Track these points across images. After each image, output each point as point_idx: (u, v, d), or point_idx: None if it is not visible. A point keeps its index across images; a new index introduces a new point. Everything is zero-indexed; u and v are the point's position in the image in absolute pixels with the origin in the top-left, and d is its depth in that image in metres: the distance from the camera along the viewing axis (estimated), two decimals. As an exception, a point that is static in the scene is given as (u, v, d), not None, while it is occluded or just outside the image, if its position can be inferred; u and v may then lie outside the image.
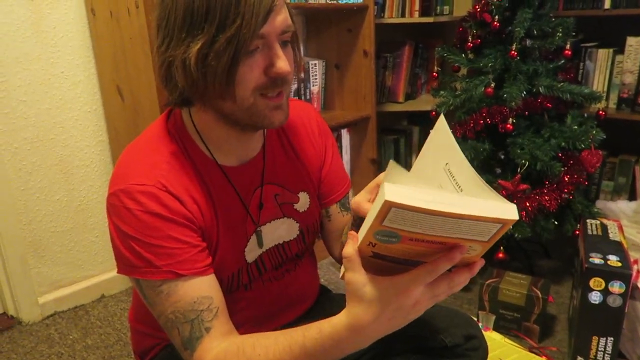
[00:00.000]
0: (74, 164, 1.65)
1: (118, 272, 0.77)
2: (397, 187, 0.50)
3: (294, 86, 1.97)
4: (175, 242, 0.74)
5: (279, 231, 0.89)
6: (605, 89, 2.12)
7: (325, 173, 0.97)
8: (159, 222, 0.73)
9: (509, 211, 0.52)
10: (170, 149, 0.79)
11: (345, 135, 2.12)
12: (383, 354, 0.96)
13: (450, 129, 0.66)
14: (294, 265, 0.95)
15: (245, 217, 0.84)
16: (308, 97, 2.05)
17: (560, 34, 1.63)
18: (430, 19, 2.30)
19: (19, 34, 1.46)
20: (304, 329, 0.66)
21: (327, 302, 1.03)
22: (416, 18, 2.31)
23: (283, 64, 0.72)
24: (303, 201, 0.92)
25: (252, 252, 0.86)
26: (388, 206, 0.49)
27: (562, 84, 1.62)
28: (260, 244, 0.86)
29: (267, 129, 0.86)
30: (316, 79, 2.06)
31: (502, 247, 1.67)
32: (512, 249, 1.85)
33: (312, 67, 2.03)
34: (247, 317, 0.89)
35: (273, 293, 0.92)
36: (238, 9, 0.66)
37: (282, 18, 0.71)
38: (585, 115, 1.71)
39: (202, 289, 0.75)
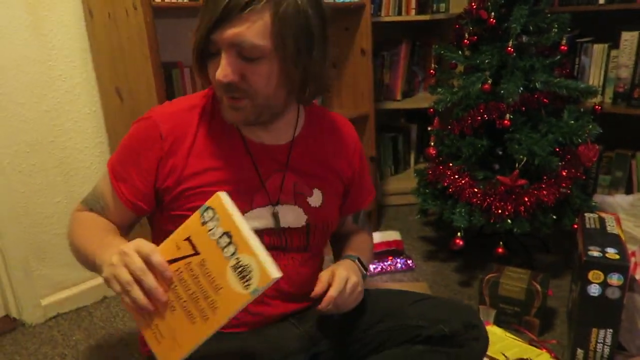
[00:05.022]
0: (74, 165, 1.65)
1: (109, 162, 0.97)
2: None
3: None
4: (137, 168, 0.91)
5: (287, 217, 0.95)
6: (601, 83, 2.13)
7: (352, 193, 1.09)
8: (138, 145, 0.92)
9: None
10: (200, 101, 0.95)
11: (343, 133, 2.12)
12: (383, 346, 0.97)
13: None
14: (291, 259, 0.98)
15: (257, 189, 0.93)
16: (306, 96, 2.06)
17: (556, 30, 1.65)
18: (426, 17, 2.31)
19: (16, 36, 1.46)
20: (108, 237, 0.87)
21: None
22: (412, 16, 2.32)
23: (219, 72, 0.80)
24: (316, 197, 0.99)
25: (252, 222, 0.91)
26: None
27: (558, 79, 1.63)
28: (277, 223, 0.95)
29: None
30: (314, 77, 2.07)
31: (501, 242, 1.68)
32: (511, 244, 1.86)
33: (310, 66, 2.04)
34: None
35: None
36: (204, 8, 0.80)
37: (234, 32, 0.77)
38: (582, 110, 1.72)
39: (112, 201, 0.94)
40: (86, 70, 1.61)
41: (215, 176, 0.91)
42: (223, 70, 0.79)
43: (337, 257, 1.10)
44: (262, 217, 0.93)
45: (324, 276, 0.90)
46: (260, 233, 0.91)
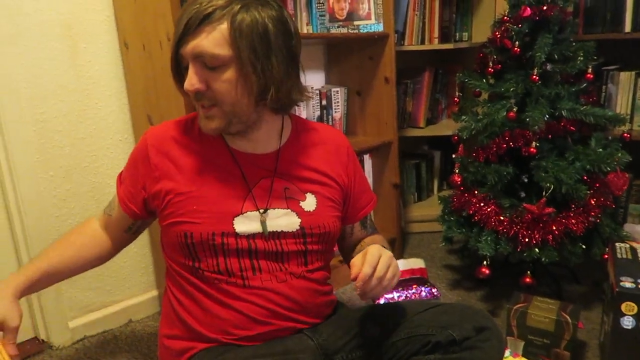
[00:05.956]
0: (105, 190, 1.70)
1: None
2: None
3: (316, 113, 2.02)
4: (131, 174, 1.04)
5: (279, 220, 0.98)
6: (629, 111, 2.11)
7: (353, 198, 1.11)
8: (134, 156, 1.04)
9: None
10: (188, 117, 1.04)
11: (367, 160, 2.14)
12: (396, 357, 0.97)
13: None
14: (289, 275, 0.98)
15: (246, 194, 0.97)
16: (330, 124, 2.09)
17: (582, 58, 1.64)
18: (449, 46, 2.34)
19: (56, 67, 1.54)
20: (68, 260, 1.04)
21: (339, 318, 1.05)
22: (436, 45, 2.35)
23: (187, 82, 0.89)
24: (310, 201, 1.02)
25: (243, 226, 0.95)
26: None
27: (584, 107, 1.62)
28: (264, 228, 0.97)
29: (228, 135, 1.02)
30: (338, 105, 2.10)
31: (529, 272, 1.65)
32: (539, 274, 1.82)
33: (335, 94, 2.07)
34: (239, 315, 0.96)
35: (267, 296, 0.96)
36: (175, 29, 0.88)
37: (193, 44, 0.86)
38: (610, 137, 1.70)
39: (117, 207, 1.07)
40: (120, 98, 1.68)
41: (203, 181, 0.96)
42: (190, 80, 0.88)
43: None
44: (252, 221, 0.96)
45: (357, 259, 0.89)
46: (252, 237, 0.96)
